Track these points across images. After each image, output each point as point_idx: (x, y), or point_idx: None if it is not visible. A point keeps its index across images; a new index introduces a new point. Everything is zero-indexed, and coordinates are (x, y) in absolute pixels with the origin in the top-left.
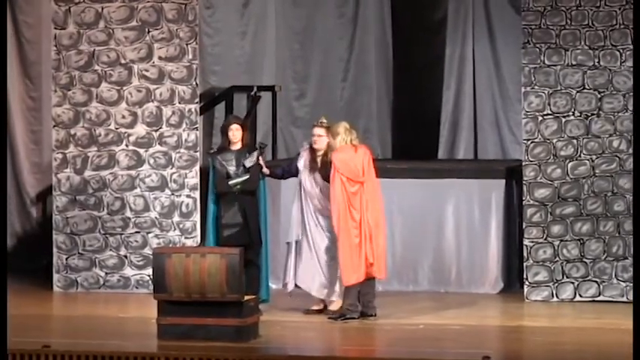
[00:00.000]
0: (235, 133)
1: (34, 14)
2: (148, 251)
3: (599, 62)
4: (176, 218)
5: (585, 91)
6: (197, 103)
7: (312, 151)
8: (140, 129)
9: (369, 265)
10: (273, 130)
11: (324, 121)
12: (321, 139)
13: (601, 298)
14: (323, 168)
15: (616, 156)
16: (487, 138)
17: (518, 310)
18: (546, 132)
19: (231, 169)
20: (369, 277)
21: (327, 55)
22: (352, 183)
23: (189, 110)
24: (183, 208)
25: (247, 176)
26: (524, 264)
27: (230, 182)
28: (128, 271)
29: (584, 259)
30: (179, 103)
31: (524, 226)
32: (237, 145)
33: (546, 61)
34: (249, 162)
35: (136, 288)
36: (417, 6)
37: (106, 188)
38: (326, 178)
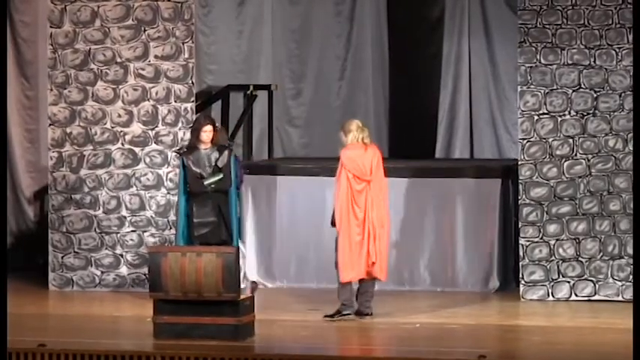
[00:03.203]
0: (209, 134)
1: (30, 13)
2: (143, 250)
3: (595, 61)
4: (172, 217)
5: (581, 90)
6: (193, 102)
7: None
8: (136, 128)
9: (370, 265)
10: (269, 130)
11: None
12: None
13: (597, 297)
14: None
15: (612, 155)
16: (483, 137)
17: (514, 309)
18: (542, 131)
19: (204, 169)
20: (370, 277)
21: (323, 53)
22: (359, 181)
23: (185, 109)
24: None
25: (221, 175)
26: (520, 263)
27: (205, 182)
28: (124, 270)
29: (580, 259)
30: (175, 101)
31: (520, 225)
32: (207, 145)
33: (542, 61)
34: (221, 161)
35: (132, 287)
36: (413, 4)
37: (101, 187)
38: None
